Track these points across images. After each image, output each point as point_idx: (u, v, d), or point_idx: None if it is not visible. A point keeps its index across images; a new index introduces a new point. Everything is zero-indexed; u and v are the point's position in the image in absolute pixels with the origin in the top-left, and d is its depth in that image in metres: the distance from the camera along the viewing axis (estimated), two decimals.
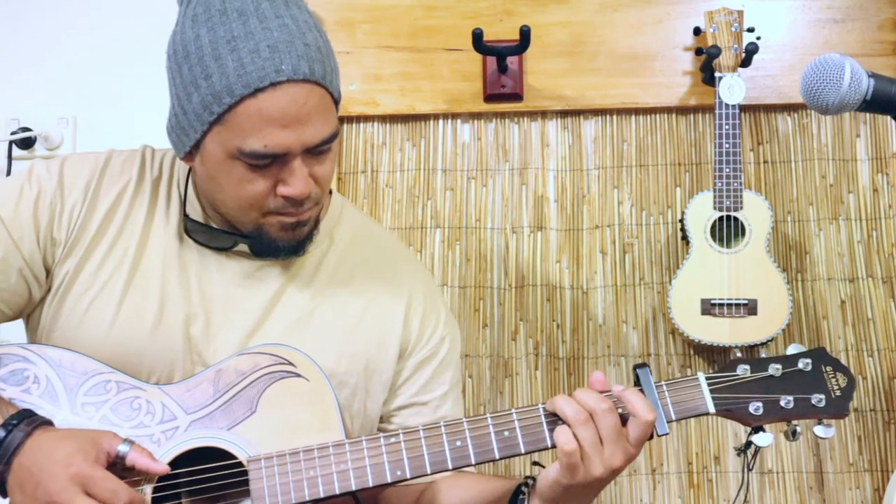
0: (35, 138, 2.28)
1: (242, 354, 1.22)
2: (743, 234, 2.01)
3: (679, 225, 2.11)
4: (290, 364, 1.21)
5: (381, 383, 1.36)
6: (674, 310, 2.01)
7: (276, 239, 1.26)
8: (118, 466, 1.11)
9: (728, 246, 2.02)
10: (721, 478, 2.11)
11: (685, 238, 2.06)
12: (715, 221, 2.01)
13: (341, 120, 2.24)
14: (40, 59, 2.33)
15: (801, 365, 1.19)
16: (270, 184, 1.20)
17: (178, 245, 1.31)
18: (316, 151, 1.21)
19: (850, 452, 2.09)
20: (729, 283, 1.99)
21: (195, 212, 1.32)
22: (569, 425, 1.12)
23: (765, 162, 2.20)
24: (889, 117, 1.23)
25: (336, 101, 1.24)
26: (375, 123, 2.26)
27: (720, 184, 2.00)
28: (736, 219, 2.02)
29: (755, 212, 2.02)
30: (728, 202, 2.00)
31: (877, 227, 2.16)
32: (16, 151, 2.28)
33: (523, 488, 1.20)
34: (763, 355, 1.21)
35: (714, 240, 2.01)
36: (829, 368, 1.19)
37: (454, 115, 2.24)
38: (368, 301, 1.36)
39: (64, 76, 2.31)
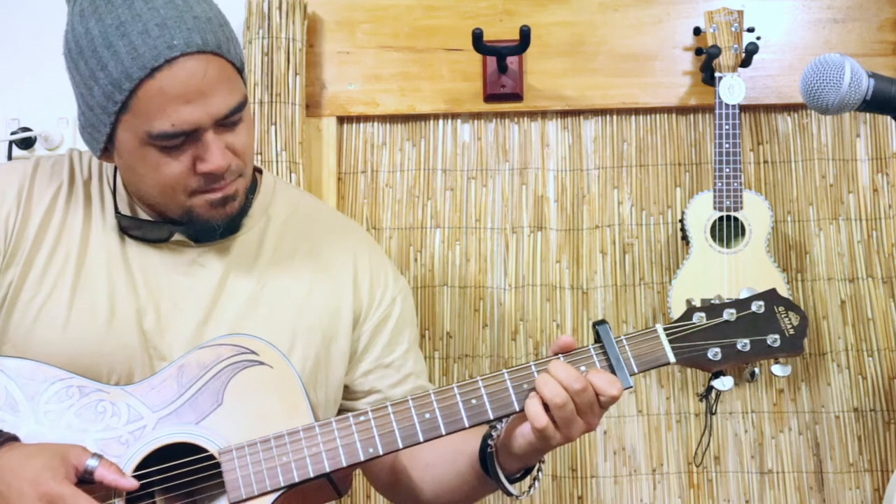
0: (35, 138, 2.28)
1: (203, 348, 1.21)
2: (743, 234, 2.01)
3: (679, 225, 2.11)
4: (252, 353, 1.20)
5: (339, 352, 1.36)
6: (674, 310, 2.01)
7: (209, 219, 1.25)
8: (89, 480, 1.10)
9: (728, 246, 2.02)
10: (721, 478, 2.11)
11: (685, 238, 2.06)
12: (715, 221, 2.01)
13: (341, 120, 2.25)
14: (40, 59, 2.32)
15: (753, 308, 1.20)
16: (188, 163, 1.19)
17: (118, 243, 1.30)
18: (227, 123, 1.20)
19: (850, 452, 2.09)
20: (729, 283, 1.99)
21: (127, 208, 1.32)
22: (546, 404, 1.13)
23: (765, 162, 2.20)
24: (889, 117, 1.23)
25: (240, 70, 1.22)
26: (375, 123, 2.26)
27: (720, 184, 2.00)
28: (736, 219, 2.01)
29: (755, 212, 2.02)
30: (728, 202, 2.00)
31: (877, 227, 2.16)
32: (16, 151, 2.28)
33: (489, 441, 1.22)
34: (716, 302, 1.22)
35: (714, 240, 2.01)
36: (781, 308, 1.20)
37: (454, 115, 2.24)
38: (315, 272, 1.37)
39: (64, 76, 2.29)
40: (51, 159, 1.35)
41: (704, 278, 2.00)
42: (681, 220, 2.08)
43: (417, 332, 1.49)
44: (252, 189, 1.35)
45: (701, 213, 2.02)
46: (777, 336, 1.19)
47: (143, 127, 1.15)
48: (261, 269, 1.33)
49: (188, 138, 1.17)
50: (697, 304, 1.98)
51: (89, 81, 1.16)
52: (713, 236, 2.01)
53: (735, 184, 2.00)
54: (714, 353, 1.18)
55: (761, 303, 1.20)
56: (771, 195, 2.17)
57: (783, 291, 1.98)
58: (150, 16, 1.13)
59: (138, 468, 1.15)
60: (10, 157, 2.27)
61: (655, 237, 2.19)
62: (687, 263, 2.03)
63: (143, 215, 1.31)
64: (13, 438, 1.13)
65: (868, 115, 2.18)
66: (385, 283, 1.42)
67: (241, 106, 1.21)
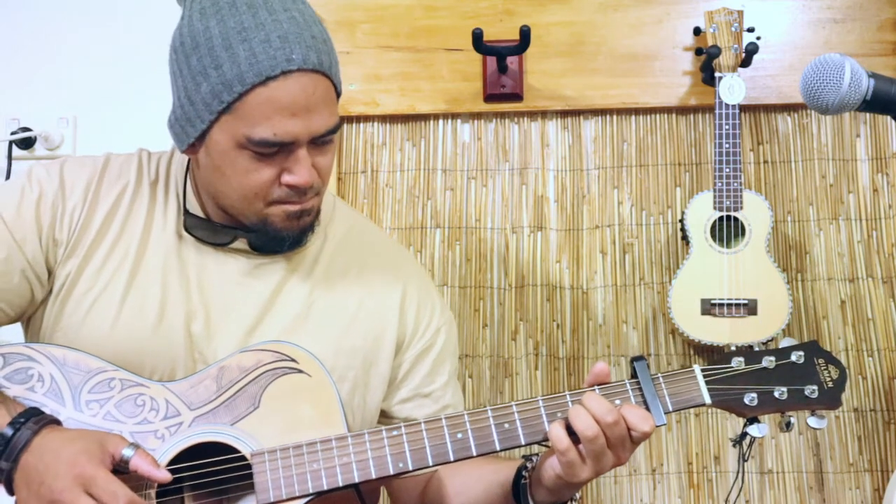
0: (35, 138, 2.28)
1: (245, 351, 1.23)
2: (743, 234, 2.01)
3: (679, 225, 2.11)
4: (293, 360, 1.22)
5: (378, 377, 1.38)
6: (674, 310, 2.01)
7: (281, 230, 1.27)
8: (123, 469, 1.12)
9: (728, 246, 2.02)
10: (721, 478, 2.11)
11: (685, 238, 2.06)
12: (715, 221, 2.01)
13: (341, 120, 2.24)
14: (40, 59, 2.33)
15: (793, 357, 1.21)
16: (275, 173, 1.22)
17: (177, 244, 1.32)
18: (320, 142, 1.24)
19: (850, 452, 2.09)
20: (729, 283, 1.99)
21: (194, 209, 1.34)
22: (577, 434, 1.13)
23: (765, 162, 2.20)
24: (889, 117, 1.23)
25: (338, 94, 1.27)
26: (375, 123, 2.26)
27: (720, 184, 2.00)
28: (736, 219, 2.02)
29: (755, 212, 2.02)
30: (728, 202, 2.00)
31: (877, 227, 2.16)
32: (16, 151, 2.28)
33: (524, 472, 1.22)
34: (757, 348, 1.22)
35: (714, 240, 2.01)
36: (821, 361, 1.21)
37: (454, 115, 2.24)
38: (364, 295, 1.38)
39: (64, 76, 2.31)
40: (120, 157, 1.38)
41: (704, 278, 2.00)
42: (681, 220, 2.08)
43: (458, 365, 1.50)
44: None
45: (701, 213, 2.02)
46: (815, 387, 1.19)
47: (244, 130, 1.18)
48: (312, 286, 1.35)
49: (283, 149, 1.20)
50: (698, 304, 2.00)
51: (198, 77, 1.18)
52: (713, 236, 2.02)
53: (735, 184, 2.00)
54: (750, 398, 1.19)
55: (801, 353, 1.21)
56: (771, 195, 2.17)
57: (783, 291, 1.99)
58: (273, 27, 1.17)
59: (171, 463, 1.17)
60: (9, 157, 2.27)
61: (655, 237, 2.19)
62: (687, 263, 2.03)
63: (209, 218, 1.33)
64: (55, 421, 1.16)
65: (868, 115, 2.18)
66: (431, 312, 1.43)
67: (337, 128, 1.25)
